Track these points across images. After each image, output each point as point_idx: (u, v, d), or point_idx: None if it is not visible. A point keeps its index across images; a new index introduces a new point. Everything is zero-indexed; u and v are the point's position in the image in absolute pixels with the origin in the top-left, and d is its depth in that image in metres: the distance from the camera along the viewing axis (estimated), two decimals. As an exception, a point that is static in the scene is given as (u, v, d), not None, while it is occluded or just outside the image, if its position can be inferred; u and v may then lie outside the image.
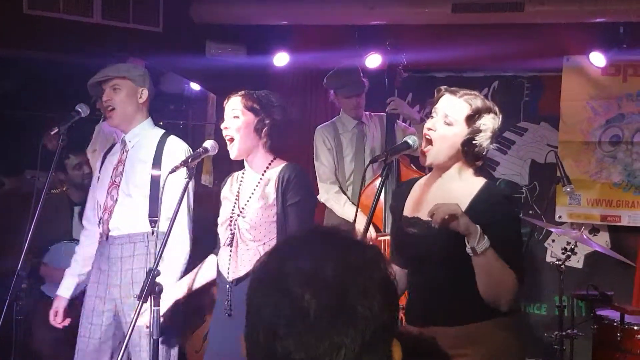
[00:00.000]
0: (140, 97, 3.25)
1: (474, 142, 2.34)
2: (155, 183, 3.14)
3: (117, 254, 3.13)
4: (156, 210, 3.11)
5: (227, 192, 2.97)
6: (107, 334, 3.15)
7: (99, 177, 3.34)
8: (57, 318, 3.24)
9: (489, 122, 2.35)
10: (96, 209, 3.28)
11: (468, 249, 2.18)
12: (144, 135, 3.25)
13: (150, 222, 3.14)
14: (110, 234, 3.15)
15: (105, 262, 3.16)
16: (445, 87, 2.44)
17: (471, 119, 2.33)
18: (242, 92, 2.90)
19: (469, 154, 2.36)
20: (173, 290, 2.96)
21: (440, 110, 2.38)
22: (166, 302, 2.86)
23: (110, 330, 3.16)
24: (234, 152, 2.87)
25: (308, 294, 1.00)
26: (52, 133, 3.06)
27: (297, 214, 2.81)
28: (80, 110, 3.19)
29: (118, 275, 3.12)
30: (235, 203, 2.90)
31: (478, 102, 2.36)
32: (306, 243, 1.09)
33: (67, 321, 3.26)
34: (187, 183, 2.72)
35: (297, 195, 2.82)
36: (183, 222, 3.12)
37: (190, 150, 3.20)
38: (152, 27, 4.96)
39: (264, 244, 2.82)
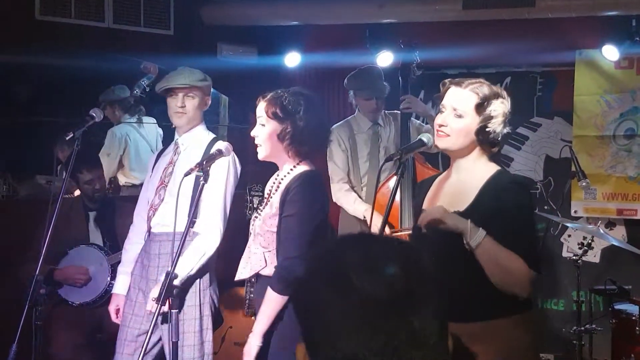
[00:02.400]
0: (206, 105, 3.39)
1: (487, 129, 2.34)
2: (196, 187, 3.16)
3: (156, 250, 3.22)
4: (196, 212, 3.14)
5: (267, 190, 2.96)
6: (144, 328, 3.21)
7: (150, 176, 3.43)
8: (119, 315, 3.33)
9: (499, 107, 2.35)
10: (146, 207, 3.36)
11: (466, 245, 2.18)
12: (197, 139, 3.35)
13: (190, 222, 3.19)
14: (151, 230, 3.25)
15: (147, 257, 3.25)
16: (449, 79, 2.44)
17: (480, 107, 2.33)
18: (270, 94, 2.83)
19: (485, 141, 2.37)
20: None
21: (448, 104, 2.37)
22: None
23: (148, 325, 3.17)
24: (260, 155, 2.87)
25: (370, 288, 1.04)
26: (67, 138, 3.08)
27: (289, 227, 2.69)
28: (94, 115, 3.22)
29: (155, 271, 3.20)
30: (259, 204, 2.93)
31: (485, 89, 2.35)
32: (356, 245, 1.13)
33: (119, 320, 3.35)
34: (203, 185, 2.73)
35: (294, 207, 2.68)
36: (216, 219, 3.16)
37: (235, 156, 3.25)
38: (164, 30, 4.97)
39: (269, 251, 2.78)
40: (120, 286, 3.39)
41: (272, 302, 2.64)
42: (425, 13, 4.95)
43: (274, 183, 2.87)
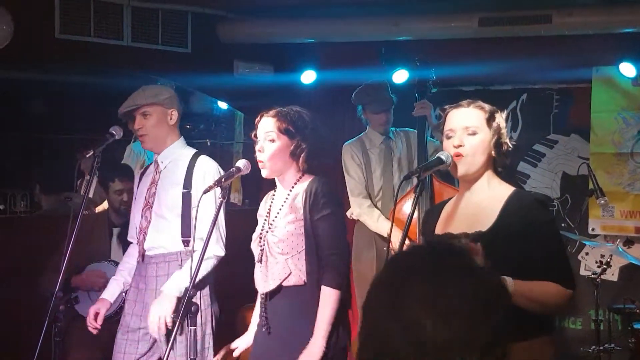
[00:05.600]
0: (171, 119, 3.28)
1: (500, 140, 2.38)
2: (186, 204, 3.18)
3: (153, 273, 3.19)
4: (188, 231, 3.16)
5: (262, 210, 3.00)
6: (141, 351, 3.21)
7: (135, 197, 3.41)
8: (98, 319, 3.27)
9: (502, 120, 2.41)
10: (134, 228, 3.34)
11: None
12: (176, 156, 3.28)
13: (183, 242, 3.19)
14: (146, 253, 3.22)
15: (142, 281, 3.22)
16: (448, 105, 2.47)
17: (489, 121, 2.37)
18: (275, 111, 2.87)
19: (500, 154, 2.39)
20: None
21: (457, 125, 2.39)
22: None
23: (145, 347, 3.22)
24: (266, 173, 2.88)
25: (438, 324, 1.02)
26: (86, 155, 3.09)
27: (328, 226, 2.80)
28: (114, 132, 3.23)
29: (153, 294, 3.16)
30: (265, 220, 2.92)
31: (485, 105, 2.41)
32: (427, 264, 1.10)
33: (99, 324, 3.31)
34: (222, 202, 2.73)
35: (327, 207, 2.80)
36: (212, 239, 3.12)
37: (220, 168, 3.23)
38: (181, 48, 5.03)
39: (292, 256, 2.81)
40: (109, 293, 3.33)
41: (332, 302, 2.68)
42: (440, 30, 4.96)
43: (278, 197, 2.92)
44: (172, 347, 2.54)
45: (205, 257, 3.02)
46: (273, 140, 2.82)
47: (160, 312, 3.01)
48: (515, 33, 4.78)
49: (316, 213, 2.78)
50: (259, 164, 2.85)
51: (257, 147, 2.85)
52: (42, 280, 3.72)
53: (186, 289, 2.87)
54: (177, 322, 2.53)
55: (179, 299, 3.03)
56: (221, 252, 3.16)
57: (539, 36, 4.79)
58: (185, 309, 2.53)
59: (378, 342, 1.05)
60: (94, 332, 3.30)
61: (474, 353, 1.01)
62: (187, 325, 2.56)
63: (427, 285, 1.05)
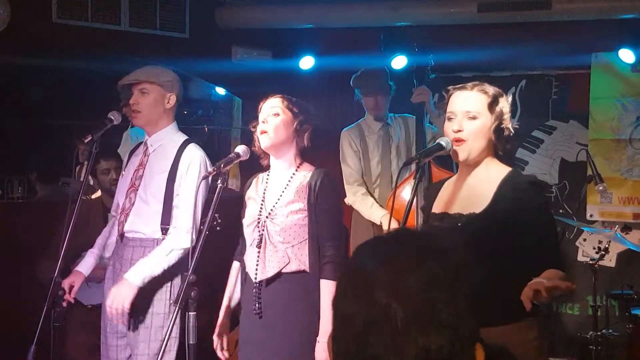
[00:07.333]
0: (168, 103, 3.27)
1: (502, 126, 2.37)
2: (169, 191, 3.17)
3: (128, 255, 3.18)
4: (168, 218, 3.15)
5: (253, 193, 2.99)
6: (123, 329, 3.21)
7: (123, 175, 3.40)
8: (72, 292, 3.22)
9: (505, 104, 2.39)
10: (117, 204, 3.34)
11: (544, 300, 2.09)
12: (166, 141, 3.28)
13: (162, 229, 3.16)
14: (125, 235, 3.21)
15: (119, 261, 3.22)
16: (452, 86, 2.46)
17: (492, 106, 2.36)
18: (280, 94, 2.95)
19: (501, 139, 2.38)
20: None
21: (458, 109, 2.38)
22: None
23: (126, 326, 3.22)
24: (265, 142, 2.88)
25: (395, 304, 1.04)
26: (85, 141, 3.08)
27: (330, 219, 2.87)
28: (112, 117, 3.21)
29: None
30: (262, 205, 2.92)
31: (490, 89, 2.39)
32: (389, 250, 1.13)
33: (72, 298, 3.26)
34: (220, 188, 2.72)
35: (331, 201, 2.89)
36: (184, 219, 3.09)
37: (207, 158, 3.23)
38: (179, 33, 5.01)
39: (292, 246, 2.84)
40: (85, 267, 3.28)
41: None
42: (439, 16, 4.94)
43: (275, 181, 2.94)
44: (170, 334, 2.53)
45: (169, 248, 3.05)
46: (278, 114, 2.89)
47: (117, 298, 2.98)
48: (515, 19, 4.76)
49: (321, 205, 2.85)
50: (261, 135, 2.87)
51: (260, 120, 2.90)
52: (41, 266, 3.73)
53: (152, 278, 2.99)
54: (177, 308, 2.52)
55: (141, 289, 3.02)
56: (187, 244, 3.04)
57: (538, 22, 4.78)
58: (184, 295, 2.52)
59: (348, 330, 1.09)
60: (64, 303, 3.20)
61: (437, 334, 1.04)
62: (187, 311, 2.56)
63: (390, 269, 1.08)
